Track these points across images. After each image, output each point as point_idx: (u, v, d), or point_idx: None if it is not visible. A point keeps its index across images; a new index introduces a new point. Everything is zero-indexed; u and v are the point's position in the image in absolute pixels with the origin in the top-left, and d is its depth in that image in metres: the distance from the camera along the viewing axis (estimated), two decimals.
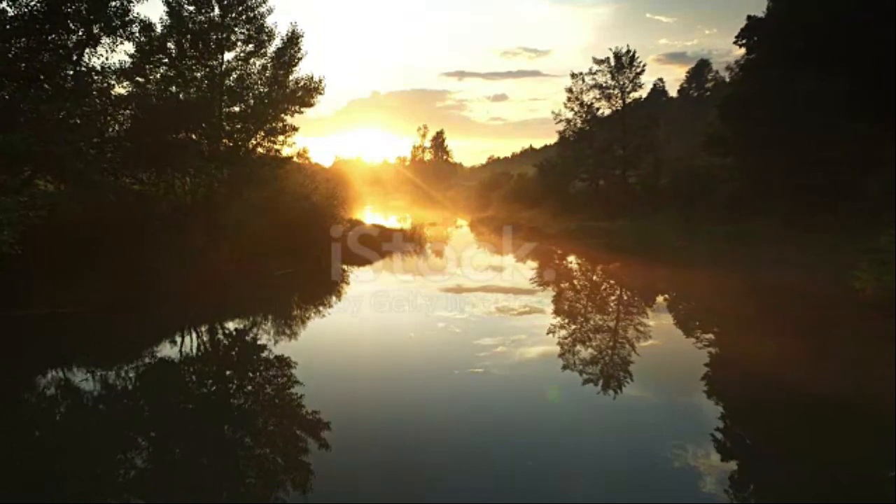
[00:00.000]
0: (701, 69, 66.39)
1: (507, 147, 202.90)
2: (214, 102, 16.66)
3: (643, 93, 33.56)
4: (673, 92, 71.30)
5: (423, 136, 79.75)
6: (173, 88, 16.20)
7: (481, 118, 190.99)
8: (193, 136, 16.30)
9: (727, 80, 38.75)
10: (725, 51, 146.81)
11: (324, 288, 15.39)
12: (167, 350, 9.76)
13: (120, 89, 14.51)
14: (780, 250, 18.95)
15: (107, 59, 13.65)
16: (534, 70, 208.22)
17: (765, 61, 23.23)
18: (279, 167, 17.88)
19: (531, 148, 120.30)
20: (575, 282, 17.25)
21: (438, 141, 79.35)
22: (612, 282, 17.04)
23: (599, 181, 33.58)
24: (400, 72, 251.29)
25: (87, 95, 13.17)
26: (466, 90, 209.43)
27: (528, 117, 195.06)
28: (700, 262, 19.63)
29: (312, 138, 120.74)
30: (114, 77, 14.09)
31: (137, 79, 15.13)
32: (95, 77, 13.48)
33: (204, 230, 16.53)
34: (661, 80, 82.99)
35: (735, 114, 24.63)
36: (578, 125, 33.38)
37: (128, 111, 14.38)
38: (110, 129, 14.08)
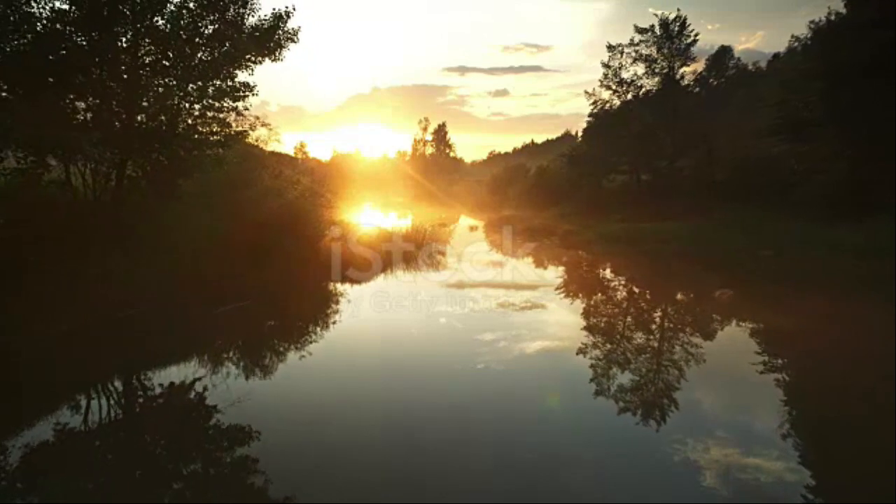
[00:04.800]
0: (721, 57, 60.03)
1: (508, 142, 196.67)
2: (126, 51, 10.39)
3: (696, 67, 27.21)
4: None
5: (425, 129, 73.27)
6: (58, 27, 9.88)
7: (482, 113, 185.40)
8: (89, 101, 10.08)
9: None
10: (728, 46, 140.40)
11: (285, 343, 9.17)
12: None
13: None
14: None
15: None
16: (535, 65, 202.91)
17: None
18: (224, 146, 11.52)
19: (532, 143, 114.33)
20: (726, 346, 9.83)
21: (441, 134, 72.92)
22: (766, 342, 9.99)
23: (641, 175, 27.32)
24: (401, 67, 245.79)
25: None
26: (467, 85, 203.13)
27: (529, 112, 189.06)
28: (816, 279, 13.60)
29: (312, 134, 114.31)
30: None
31: None
32: None
33: (113, 246, 10.38)
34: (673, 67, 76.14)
35: (844, 86, 18.47)
36: (616, 105, 27.04)
37: None
38: None
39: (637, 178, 27.44)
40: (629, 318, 11.05)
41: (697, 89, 54.71)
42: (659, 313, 11.78)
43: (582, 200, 27.59)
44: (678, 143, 25.66)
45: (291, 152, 52.62)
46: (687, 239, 20.23)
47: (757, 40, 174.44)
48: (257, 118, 12.61)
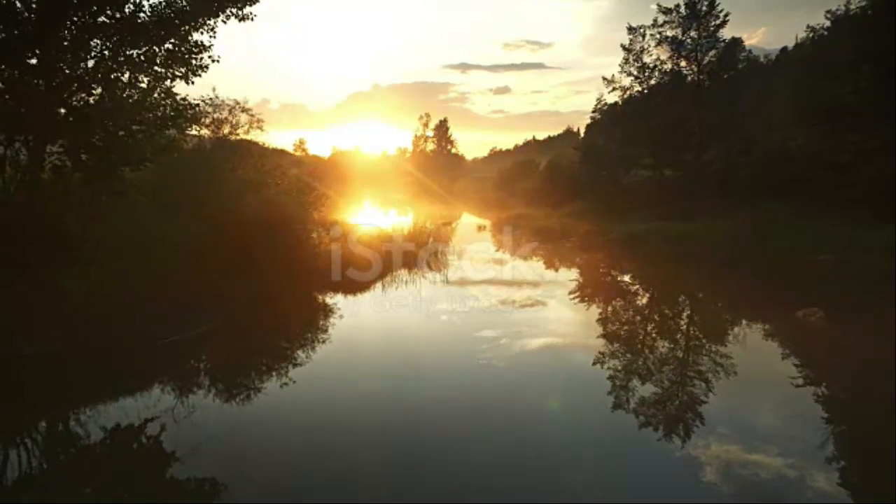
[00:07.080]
0: (731, 49, 57.03)
1: (509, 139, 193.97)
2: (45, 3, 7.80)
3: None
4: None
5: (426, 125, 70.42)
6: None
7: (483, 111, 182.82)
8: None
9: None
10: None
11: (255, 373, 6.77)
12: None
13: None
14: None
15: None
16: (536, 62, 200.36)
17: None
18: (176, 126, 8.90)
19: (534, 139, 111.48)
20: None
21: (442, 130, 70.12)
22: None
23: (665, 170, 24.70)
24: (402, 65, 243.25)
25: None
26: (469, 83, 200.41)
27: (531, 110, 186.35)
28: None
29: (313, 132, 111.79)
30: None
31: None
32: None
33: (38, 257, 7.82)
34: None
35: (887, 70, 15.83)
36: (637, 92, 24.39)
37: None
38: None
39: (660, 174, 24.80)
40: (689, 347, 8.49)
41: (708, 83, 52.34)
42: (731, 339, 9.17)
43: (599, 198, 24.98)
44: (704, 132, 23.06)
45: (291, 149, 50.18)
46: (726, 241, 17.60)
47: (759, 37, 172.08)
48: (237, 102, 10.20)
